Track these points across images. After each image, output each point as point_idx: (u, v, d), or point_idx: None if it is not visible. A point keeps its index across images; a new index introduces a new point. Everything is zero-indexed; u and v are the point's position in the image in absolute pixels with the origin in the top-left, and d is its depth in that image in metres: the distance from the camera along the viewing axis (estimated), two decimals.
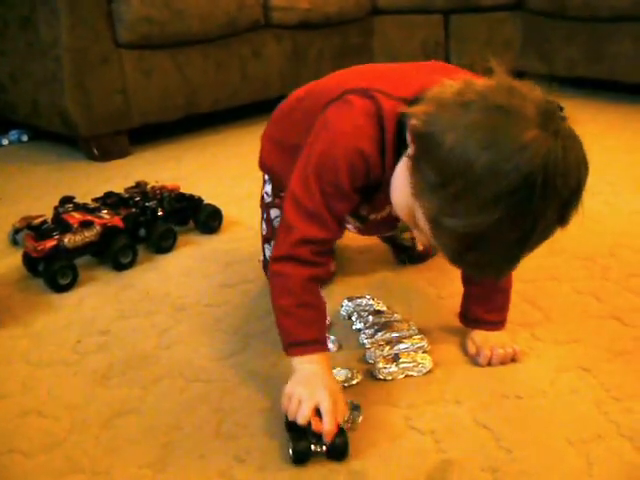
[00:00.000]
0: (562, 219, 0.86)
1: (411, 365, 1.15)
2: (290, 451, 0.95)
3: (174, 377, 1.16)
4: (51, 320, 1.37)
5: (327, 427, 0.94)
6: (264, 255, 1.46)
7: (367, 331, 1.25)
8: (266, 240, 1.44)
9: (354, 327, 1.29)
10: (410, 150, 0.92)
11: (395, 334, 1.23)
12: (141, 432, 1.03)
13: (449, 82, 0.90)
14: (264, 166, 1.40)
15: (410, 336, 1.23)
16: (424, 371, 1.14)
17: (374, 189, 1.06)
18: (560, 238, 1.66)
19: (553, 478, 0.92)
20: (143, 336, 1.29)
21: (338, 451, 0.95)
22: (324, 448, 0.95)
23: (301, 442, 0.95)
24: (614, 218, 1.79)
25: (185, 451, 0.99)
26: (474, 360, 1.17)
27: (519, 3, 3.28)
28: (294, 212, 1.03)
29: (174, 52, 2.56)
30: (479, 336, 1.20)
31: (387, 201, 1.06)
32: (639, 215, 1.80)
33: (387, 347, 1.19)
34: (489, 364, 1.16)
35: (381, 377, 1.13)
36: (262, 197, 1.45)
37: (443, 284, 1.45)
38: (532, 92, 0.85)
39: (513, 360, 1.17)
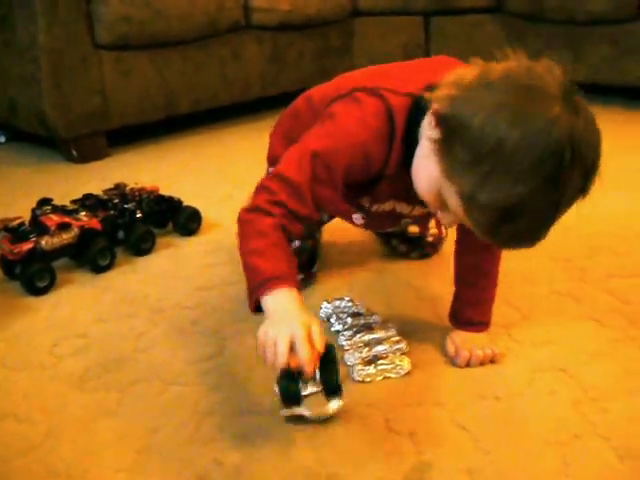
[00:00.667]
0: (584, 188, 0.91)
1: (389, 367, 1.15)
2: (278, 394, 0.96)
3: (151, 380, 1.15)
4: (28, 323, 1.36)
5: (302, 355, 0.91)
6: None
7: (346, 333, 1.25)
8: None
9: (333, 329, 1.28)
10: (435, 134, 0.93)
11: (374, 336, 1.23)
12: (118, 436, 1.02)
13: (464, 70, 0.94)
14: (273, 159, 1.37)
15: (389, 338, 1.23)
16: (402, 373, 1.14)
17: (374, 182, 1.10)
18: None
19: (530, 479, 0.92)
20: (120, 339, 1.29)
21: (331, 388, 0.97)
22: (318, 388, 0.96)
23: (283, 379, 0.95)
24: (593, 219, 1.80)
25: (162, 454, 0.98)
26: (453, 361, 1.18)
27: (498, 5, 3.29)
28: (277, 183, 1.03)
29: (153, 53, 2.55)
30: (459, 337, 1.21)
31: (390, 195, 1.12)
32: (617, 216, 1.82)
33: (366, 349, 1.19)
34: (468, 365, 1.16)
35: (359, 379, 1.13)
36: None
37: (422, 286, 1.46)
38: (552, 71, 0.90)
39: (492, 362, 1.18)
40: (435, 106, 0.93)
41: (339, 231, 1.64)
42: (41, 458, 0.98)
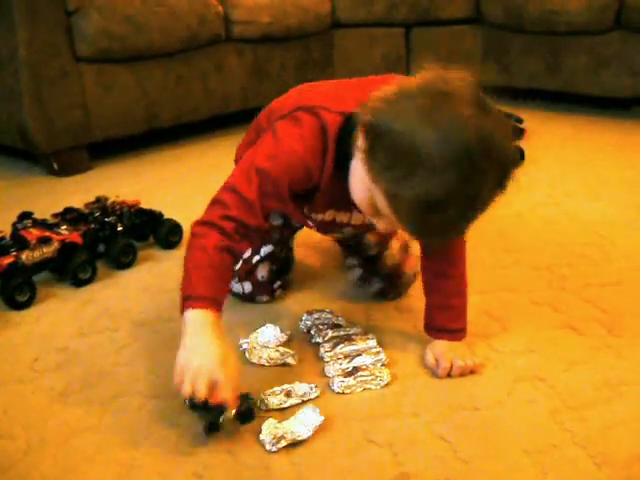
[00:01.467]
0: (500, 185, 0.96)
1: (369, 378, 1.15)
2: (202, 427, 1.01)
3: (132, 394, 1.15)
4: (8, 337, 1.35)
5: (226, 400, 0.99)
6: None
7: (326, 345, 1.25)
8: None
9: (313, 341, 1.29)
10: (362, 144, 1.00)
11: (354, 347, 1.24)
12: (99, 450, 1.02)
13: (387, 87, 1.00)
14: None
15: (369, 349, 1.23)
16: (382, 384, 1.15)
17: (311, 193, 1.17)
18: (518, 249, 1.69)
19: None
20: (102, 353, 1.28)
21: (245, 418, 1.02)
22: (232, 413, 1.01)
23: (207, 415, 1.01)
24: (571, 228, 1.82)
25: (143, 468, 0.98)
26: (433, 372, 1.19)
27: (478, 17, 3.33)
28: (228, 194, 1.11)
29: (135, 66, 2.55)
30: (438, 347, 1.22)
31: (328, 205, 1.22)
32: (595, 225, 1.84)
33: (345, 360, 1.20)
34: (448, 376, 1.17)
35: (339, 391, 1.13)
36: None
37: (402, 298, 1.46)
38: (464, 78, 0.97)
39: (472, 372, 1.19)
40: (363, 118, 1.00)
41: (318, 243, 1.65)
42: (22, 474, 0.97)
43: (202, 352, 1.01)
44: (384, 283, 1.45)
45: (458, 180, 0.91)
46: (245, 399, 1.03)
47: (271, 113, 1.30)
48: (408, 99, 0.95)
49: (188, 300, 1.06)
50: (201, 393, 0.98)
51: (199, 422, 1.02)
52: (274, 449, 1.00)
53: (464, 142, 0.90)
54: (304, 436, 1.02)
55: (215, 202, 1.13)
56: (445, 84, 0.95)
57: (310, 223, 1.32)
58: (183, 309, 1.06)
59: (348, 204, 1.13)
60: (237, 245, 1.11)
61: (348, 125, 1.08)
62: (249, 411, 1.02)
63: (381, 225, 1.09)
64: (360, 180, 1.04)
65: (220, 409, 1.00)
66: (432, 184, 0.91)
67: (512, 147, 0.99)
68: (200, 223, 1.12)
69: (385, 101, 0.98)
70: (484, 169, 0.92)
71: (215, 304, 1.06)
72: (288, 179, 1.11)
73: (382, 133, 0.96)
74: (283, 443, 1.00)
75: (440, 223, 0.97)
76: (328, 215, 1.26)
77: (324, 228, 1.33)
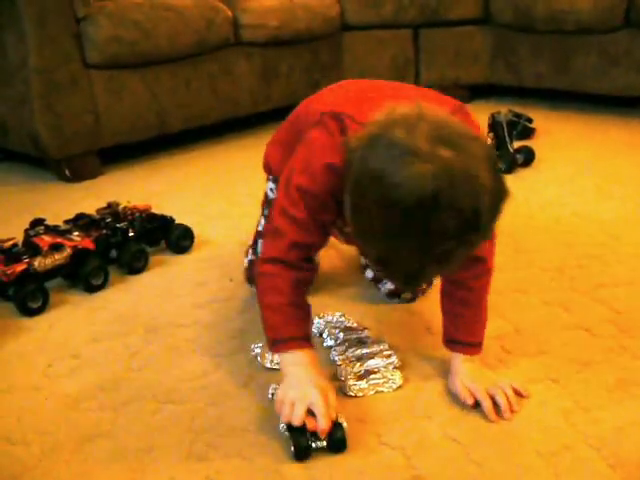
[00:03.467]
0: (463, 244, 0.88)
1: (381, 381, 1.16)
2: (292, 449, 0.99)
3: (145, 399, 1.16)
4: (21, 344, 1.36)
5: (322, 427, 0.99)
6: (255, 252, 1.50)
7: (338, 348, 1.26)
8: (261, 235, 1.48)
9: (325, 344, 1.29)
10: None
11: (366, 350, 1.24)
12: (112, 456, 1.02)
13: (377, 114, 0.94)
14: (266, 165, 1.47)
15: (380, 352, 1.23)
16: (394, 387, 1.15)
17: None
18: (528, 250, 1.68)
19: None
20: (114, 358, 1.29)
21: (337, 446, 1.01)
22: (324, 443, 1.00)
23: (301, 439, 1.00)
24: (581, 229, 1.81)
25: (156, 473, 0.98)
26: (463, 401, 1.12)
27: (486, 17, 3.32)
28: (283, 220, 1.10)
29: (144, 72, 2.56)
30: (468, 378, 1.13)
31: None
32: (606, 225, 1.83)
33: (358, 364, 1.20)
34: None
35: (352, 394, 1.14)
36: (265, 195, 1.51)
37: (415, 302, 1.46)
38: (431, 118, 0.88)
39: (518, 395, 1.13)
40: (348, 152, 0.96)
41: (330, 246, 1.65)
42: None
43: (303, 386, 1.04)
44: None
45: (407, 240, 0.87)
46: (340, 428, 1.01)
47: (307, 113, 1.27)
48: (371, 143, 0.90)
49: (279, 344, 1.09)
50: (299, 417, 0.99)
51: (288, 447, 1.01)
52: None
53: (407, 203, 0.83)
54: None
55: (274, 232, 1.12)
56: (405, 129, 0.87)
57: (339, 234, 1.32)
58: (275, 351, 1.11)
59: None
60: (307, 274, 1.13)
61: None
62: (341, 441, 1.01)
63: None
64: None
65: (314, 436, 1.00)
66: (380, 243, 0.91)
67: (479, 200, 0.85)
68: (266, 261, 1.12)
69: (360, 139, 0.93)
70: (439, 225, 0.84)
71: (306, 340, 1.10)
72: (323, 179, 1.06)
73: (348, 173, 0.93)
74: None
75: (393, 274, 0.99)
76: None
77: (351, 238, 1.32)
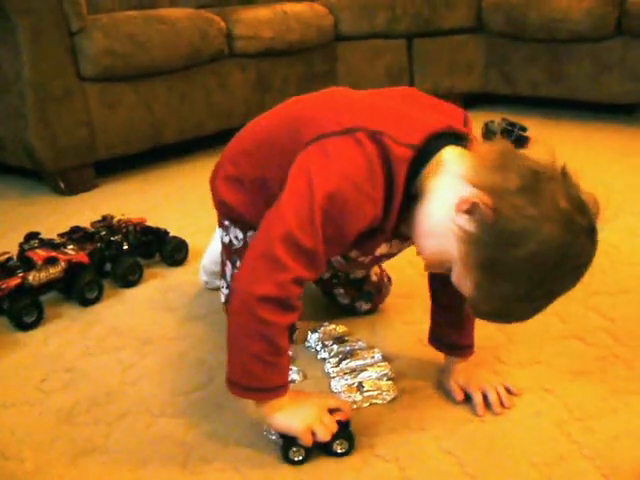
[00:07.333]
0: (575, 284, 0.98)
1: (375, 393, 1.15)
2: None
3: (139, 413, 1.16)
4: (16, 358, 1.36)
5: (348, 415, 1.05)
6: (227, 286, 1.35)
7: (332, 360, 1.26)
8: (228, 278, 1.34)
9: (319, 356, 1.29)
10: (466, 225, 0.91)
11: (359, 362, 1.24)
12: (106, 470, 1.02)
13: (494, 160, 0.93)
14: (223, 207, 1.29)
15: (374, 364, 1.23)
16: (388, 399, 1.15)
17: (368, 235, 1.02)
18: None
19: None
20: (109, 372, 1.29)
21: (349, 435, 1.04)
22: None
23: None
24: None
25: None
26: (453, 396, 1.15)
27: (480, 26, 3.33)
28: (287, 249, 0.94)
29: (138, 84, 2.56)
30: (461, 377, 1.16)
31: (377, 245, 1.09)
32: (601, 232, 1.82)
33: (351, 376, 1.20)
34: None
35: None
36: (228, 244, 1.31)
37: (406, 310, 1.46)
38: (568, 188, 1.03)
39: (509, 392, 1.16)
40: (475, 201, 0.90)
41: None
42: None
43: (306, 403, 1.05)
44: (371, 301, 1.44)
45: (543, 296, 0.94)
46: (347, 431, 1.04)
47: (279, 130, 1.16)
48: (538, 216, 0.90)
49: (264, 392, 1.01)
50: (333, 424, 1.02)
51: (281, 460, 1.02)
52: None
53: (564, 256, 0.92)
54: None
55: (271, 260, 0.95)
56: (573, 209, 1.00)
57: (341, 261, 1.21)
58: (259, 398, 1.03)
59: (395, 236, 1.07)
60: (298, 315, 1.01)
61: (415, 162, 0.97)
62: (350, 434, 1.04)
63: (435, 271, 1.05)
64: (441, 244, 0.95)
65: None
66: (525, 310, 0.95)
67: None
68: (260, 300, 0.96)
69: (509, 204, 0.89)
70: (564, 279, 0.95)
71: (284, 388, 1.02)
72: (357, 212, 0.96)
73: (505, 242, 0.88)
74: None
75: (503, 320, 1.03)
76: (374, 254, 1.15)
77: (357, 265, 1.26)
